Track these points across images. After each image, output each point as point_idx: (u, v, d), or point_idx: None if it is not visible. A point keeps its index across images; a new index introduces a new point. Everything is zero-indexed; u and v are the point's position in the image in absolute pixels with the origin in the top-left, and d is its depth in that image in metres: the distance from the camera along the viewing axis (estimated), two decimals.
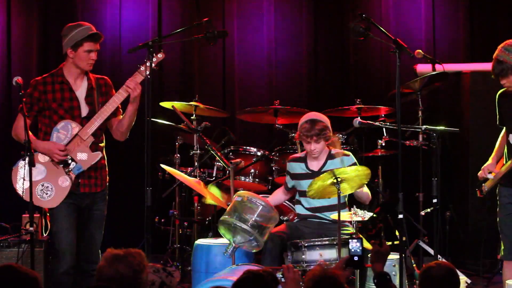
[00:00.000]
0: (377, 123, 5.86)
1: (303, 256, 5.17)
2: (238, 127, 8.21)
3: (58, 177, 5.26)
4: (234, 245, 5.28)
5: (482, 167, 5.52)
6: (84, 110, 5.34)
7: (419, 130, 6.11)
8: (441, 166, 5.46)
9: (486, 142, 6.11)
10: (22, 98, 5.10)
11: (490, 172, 5.45)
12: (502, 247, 5.44)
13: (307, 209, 5.68)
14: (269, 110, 7.21)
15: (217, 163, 6.83)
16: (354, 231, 5.13)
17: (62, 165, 5.25)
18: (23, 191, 5.15)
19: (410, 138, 6.80)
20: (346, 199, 5.70)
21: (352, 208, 5.29)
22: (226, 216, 5.32)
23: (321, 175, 5.16)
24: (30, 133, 5.15)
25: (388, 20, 8.15)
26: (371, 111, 7.15)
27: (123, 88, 5.28)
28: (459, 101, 7.84)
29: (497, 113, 5.52)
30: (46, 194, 5.25)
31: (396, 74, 4.96)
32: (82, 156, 5.27)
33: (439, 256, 5.48)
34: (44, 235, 6.25)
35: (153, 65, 5.20)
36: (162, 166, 6.22)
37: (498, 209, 5.48)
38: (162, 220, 7.32)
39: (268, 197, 6.06)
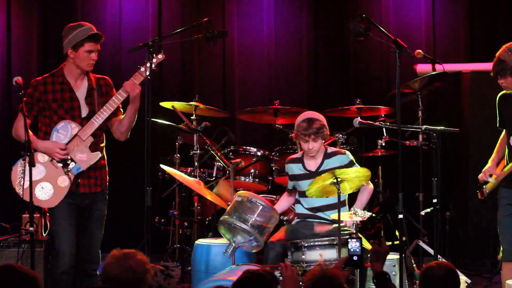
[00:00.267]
0: (377, 123, 5.87)
1: (303, 256, 5.17)
2: (238, 127, 8.21)
3: (57, 177, 5.25)
4: (234, 245, 5.28)
5: (483, 170, 5.51)
6: (84, 111, 5.33)
7: (419, 130, 6.11)
8: (441, 166, 5.46)
9: (486, 142, 6.11)
10: (23, 98, 5.10)
11: (491, 175, 5.45)
12: (502, 248, 5.44)
13: (307, 209, 5.68)
14: (269, 110, 7.21)
15: (217, 163, 6.83)
16: (354, 231, 5.13)
17: (61, 165, 5.25)
18: (22, 191, 5.15)
19: (410, 138, 6.80)
20: (346, 198, 5.69)
21: (352, 208, 5.29)
22: (226, 216, 5.32)
23: (322, 175, 5.16)
24: (30, 132, 5.14)
25: (388, 20, 8.15)
26: (371, 111, 7.15)
27: (122, 89, 5.28)
28: (459, 101, 7.84)
29: (497, 116, 5.52)
30: (45, 194, 5.24)
31: (396, 74, 4.96)
32: (81, 156, 5.27)
33: (439, 256, 5.48)
34: (44, 235, 6.24)
35: (153, 65, 5.20)
36: (162, 166, 6.22)
37: (498, 210, 5.48)
38: (162, 220, 7.31)
39: (268, 197, 6.07)
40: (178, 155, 7.10)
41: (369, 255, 4.23)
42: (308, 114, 5.71)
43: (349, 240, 4.28)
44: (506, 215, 5.40)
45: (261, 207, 5.28)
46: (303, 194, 5.59)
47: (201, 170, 6.94)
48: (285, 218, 6.46)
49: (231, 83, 8.34)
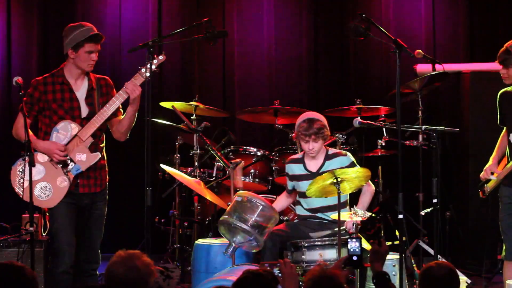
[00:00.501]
0: (377, 123, 5.87)
1: (303, 256, 5.17)
2: (238, 127, 8.21)
3: (56, 177, 5.25)
4: (234, 245, 5.28)
5: (484, 168, 5.52)
6: (84, 111, 5.33)
7: (419, 130, 6.11)
8: (441, 166, 5.46)
9: (486, 142, 6.11)
10: (23, 98, 5.10)
11: (492, 173, 5.45)
12: (504, 247, 5.44)
13: (306, 210, 5.68)
14: (269, 110, 7.21)
15: (217, 163, 6.83)
16: (354, 232, 5.13)
17: (60, 166, 5.25)
18: (22, 191, 5.15)
19: (410, 138, 6.79)
20: (347, 198, 5.70)
21: (352, 208, 5.29)
22: (226, 216, 5.32)
23: (322, 175, 5.16)
24: (30, 132, 5.14)
25: (388, 20, 8.15)
26: (371, 111, 7.15)
27: (122, 90, 5.28)
28: (459, 101, 7.84)
29: (498, 113, 5.53)
30: (44, 194, 5.24)
31: (396, 74, 4.96)
32: (81, 157, 5.27)
33: (439, 256, 5.48)
34: (44, 234, 6.24)
35: (154, 67, 5.21)
36: (162, 166, 6.22)
37: (500, 209, 5.47)
38: (162, 220, 7.31)
39: (268, 197, 6.07)
40: (178, 155, 7.10)
41: (368, 255, 4.24)
42: (309, 114, 5.71)
43: (348, 240, 4.28)
44: (508, 214, 5.40)
45: (261, 207, 5.28)
46: (303, 194, 5.59)
47: (201, 170, 6.94)
48: (285, 218, 6.46)
49: (231, 83, 8.34)
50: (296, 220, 5.79)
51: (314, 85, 8.35)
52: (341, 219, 5.10)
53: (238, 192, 5.46)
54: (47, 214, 5.83)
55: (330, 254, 5.17)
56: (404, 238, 4.80)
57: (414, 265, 5.87)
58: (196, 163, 6.89)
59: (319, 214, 5.64)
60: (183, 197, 7.17)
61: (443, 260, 5.74)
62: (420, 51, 5.37)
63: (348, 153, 5.71)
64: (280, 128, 7.10)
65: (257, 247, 5.34)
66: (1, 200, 7.44)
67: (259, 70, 8.33)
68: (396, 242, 4.78)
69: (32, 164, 4.97)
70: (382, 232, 4.53)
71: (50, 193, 5.24)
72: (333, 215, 5.29)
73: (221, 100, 8.32)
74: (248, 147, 6.97)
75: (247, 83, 8.34)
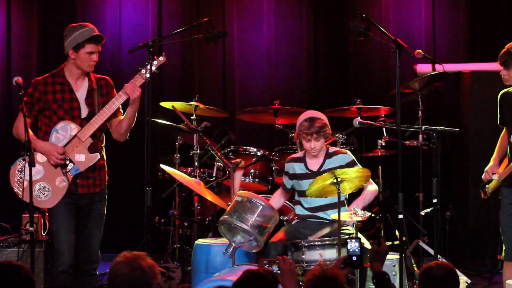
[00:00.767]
0: (377, 123, 5.87)
1: (303, 256, 5.16)
2: (238, 127, 8.21)
3: (55, 178, 5.25)
4: (234, 245, 5.28)
5: (485, 169, 5.52)
6: (84, 111, 5.33)
7: (419, 130, 6.11)
8: (441, 166, 5.46)
9: (486, 142, 6.11)
10: (23, 98, 5.10)
11: (493, 174, 5.45)
12: (504, 248, 5.44)
13: (306, 209, 5.68)
14: (269, 110, 7.21)
15: (217, 163, 6.83)
16: (354, 231, 5.12)
17: (59, 166, 5.25)
18: (21, 190, 5.15)
19: (410, 138, 6.80)
20: (346, 198, 5.69)
21: (352, 208, 5.29)
22: (226, 216, 5.32)
23: (323, 175, 5.16)
24: (30, 132, 5.14)
25: (388, 20, 8.15)
26: (371, 111, 7.15)
27: (122, 91, 5.28)
28: (459, 101, 7.83)
29: (498, 113, 5.53)
30: (43, 194, 5.24)
31: (396, 74, 4.96)
32: (80, 157, 5.26)
33: (439, 256, 5.48)
34: (43, 234, 6.24)
35: (154, 68, 5.20)
36: (162, 166, 6.22)
37: (500, 209, 5.47)
38: (162, 220, 7.31)
39: (268, 197, 6.04)
40: (178, 155, 7.10)
41: (368, 255, 4.24)
42: (310, 113, 5.71)
43: (348, 240, 4.28)
44: (508, 215, 5.40)
45: (261, 207, 5.28)
46: (303, 194, 5.59)
47: (201, 170, 6.94)
48: (285, 218, 6.46)
49: (231, 83, 8.34)
50: (295, 221, 5.79)
51: (314, 85, 8.35)
52: (341, 219, 5.10)
53: (238, 192, 5.46)
54: (47, 214, 5.84)
55: (330, 254, 5.17)
56: (404, 238, 4.80)
57: (414, 265, 5.87)
58: (196, 163, 6.89)
59: (319, 213, 5.63)
60: (183, 197, 7.17)
61: (443, 260, 5.74)
62: (420, 51, 5.37)
63: (349, 151, 5.71)
64: (280, 128, 7.10)
65: (257, 247, 5.34)
66: (1, 200, 7.43)
67: (259, 70, 8.33)
68: (396, 242, 4.78)
69: (32, 164, 4.97)
70: (382, 232, 4.54)
71: (48, 193, 5.24)
72: (333, 215, 5.29)
73: (221, 100, 8.32)
74: (248, 147, 6.96)
75: (247, 83, 8.34)
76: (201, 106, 7.08)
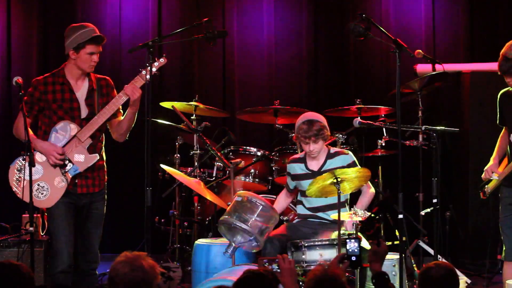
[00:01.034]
0: (377, 123, 5.87)
1: (303, 256, 5.16)
2: (238, 127, 8.21)
3: (54, 177, 5.25)
4: (234, 245, 5.28)
5: (485, 169, 5.51)
6: (84, 112, 5.33)
7: (419, 130, 6.11)
8: (441, 166, 5.46)
9: (486, 142, 6.11)
10: (23, 97, 5.10)
11: (493, 173, 5.45)
12: (504, 248, 5.44)
13: (308, 208, 5.68)
14: (269, 110, 7.21)
15: (217, 163, 6.83)
16: (354, 231, 5.12)
17: (58, 166, 5.24)
18: (20, 190, 5.15)
19: (410, 138, 6.80)
20: (347, 198, 5.69)
21: (352, 208, 5.29)
22: (226, 216, 5.32)
23: (322, 175, 5.16)
24: (30, 131, 5.14)
25: (388, 20, 8.15)
26: (371, 111, 7.15)
27: (122, 92, 5.28)
28: (459, 101, 7.84)
29: (498, 113, 5.52)
30: (42, 194, 5.24)
31: (396, 74, 4.96)
32: (79, 157, 5.26)
33: (439, 256, 5.48)
34: (43, 234, 6.24)
35: (154, 69, 5.20)
36: (162, 166, 6.22)
37: (500, 209, 5.47)
38: (162, 220, 7.31)
39: (268, 197, 6.06)
40: (178, 155, 7.10)
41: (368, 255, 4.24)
42: (308, 115, 5.70)
43: (347, 240, 4.28)
44: (508, 215, 5.39)
45: (261, 207, 5.28)
46: (304, 194, 5.59)
47: (201, 170, 6.94)
48: (285, 218, 6.46)
49: (231, 83, 8.34)
50: (296, 220, 5.79)
51: (314, 85, 8.35)
52: (341, 219, 5.10)
53: (238, 192, 5.46)
54: (45, 213, 5.83)
55: (330, 254, 5.16)
56: (404, 238, 4.80)
57: (414, 265, 5.87)
58: (196, 163, 6.89)
59: (320, 214, 5.63)
60: (183, 197, 7.17)
61: (443, 260, 5.74)
62: (420, 51, 5.36)
63: (350, 152, 5.71)
64: (280, 128, 7.10)
65: (257, 247, 5.34)
66: (1, 200, 7.44)
67: (259, 70, 8.33)
68: (396, 242, 4.78)
69: (32, 164, 4.96)
70: (381, 232, 4.54)
71: (47, 193, 5.24)
72: (334, 215, 5.29)
73: (221, 100, 8.32)
74: (248, 147, 6.96)
75: (247, 83, 8.34)
76: (201, 106, 7.08)
